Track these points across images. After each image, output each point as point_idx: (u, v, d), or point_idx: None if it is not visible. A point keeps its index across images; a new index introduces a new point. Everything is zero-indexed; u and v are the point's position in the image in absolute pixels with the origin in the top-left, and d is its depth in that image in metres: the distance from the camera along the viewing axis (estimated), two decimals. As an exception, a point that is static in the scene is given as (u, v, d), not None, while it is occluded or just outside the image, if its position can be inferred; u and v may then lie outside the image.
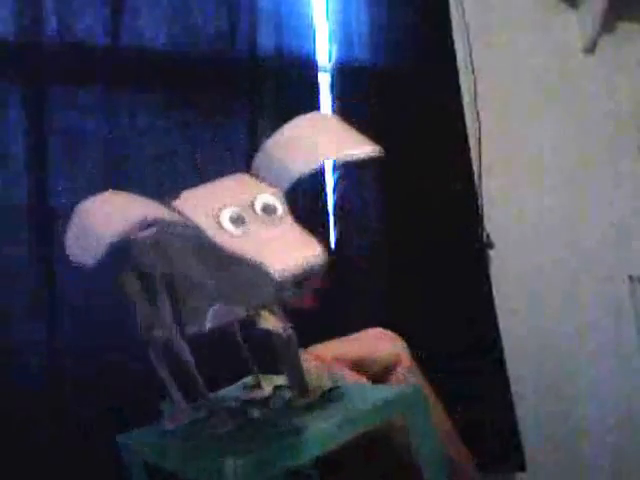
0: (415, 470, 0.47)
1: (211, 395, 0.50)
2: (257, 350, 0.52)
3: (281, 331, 0.45)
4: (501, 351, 2.11)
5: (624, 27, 2.62)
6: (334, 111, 2.01)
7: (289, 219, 0.39)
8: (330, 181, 1.97)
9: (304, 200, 1.84)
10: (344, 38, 2.06)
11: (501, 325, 2.12)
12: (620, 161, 2.52)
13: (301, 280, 0.36)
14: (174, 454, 0.46)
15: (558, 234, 2.40)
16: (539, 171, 2.42)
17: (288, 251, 0.36)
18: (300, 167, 0.41)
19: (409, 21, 2.11)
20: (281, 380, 0.50)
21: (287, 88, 1.92)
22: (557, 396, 2.29)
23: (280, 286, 0.35)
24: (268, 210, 0.39)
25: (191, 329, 0.45)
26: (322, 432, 0.41)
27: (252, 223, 0.38)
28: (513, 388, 2.11)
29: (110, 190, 0.40)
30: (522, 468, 2.09)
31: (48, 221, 1.65)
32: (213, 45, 1.86)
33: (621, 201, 2.49)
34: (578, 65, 2.56)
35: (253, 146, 1.81)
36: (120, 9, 1.76)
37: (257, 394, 0.50)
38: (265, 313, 0.45)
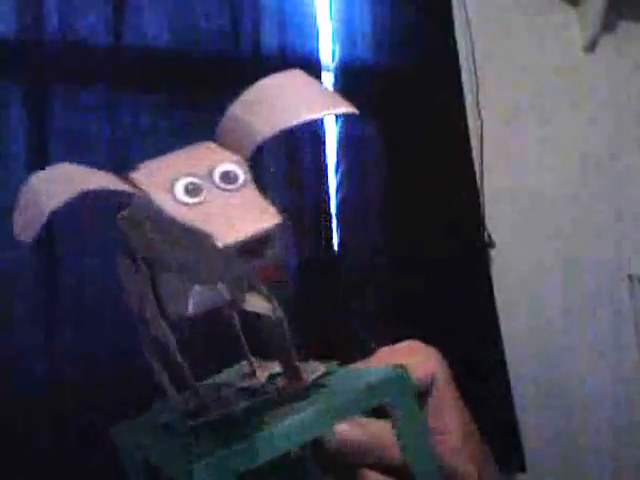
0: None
1: (207, 381, 0.49)
2: (254, 335, 0.48)
3: (270, 313, 0.42)
4: (502, 351, 2.10)
5: (625, 26, 2.61)
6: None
7: (250, 187, 0.36)
8: (333, 181, 1.95)
9: (308, 201, 1.83)
10: (347, 37, 2.05)
11: (502, 324, 2.12)
12: (621, 159, 2.51)
13: (256, 250, 0.33)
14: (156, 450, 0.45)
15: (559, 234, 2.39)
16: (540, 170, 2.41)
17: (239, 220, 0.33)
18: (266, 130, 0.37)
19: (412, 20, 2.10)
20: (276, 367, 0.47)
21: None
22: (557, 396, 2.29)
23: (227, 255, 0.33)
24: (227, 178, 0.36)
25: (173, 313, 0.41)
26: (298, 423, 0.39)
27: (209, 192, 0.35)
28: (513, 388, 2.10)
29: (63, 162, 0.37)
30: (522, 469, 2.09)
31: (49, 223, 1.62)
32: (216, 44, 1.85)
33: (622, 200, 2.48)
34: (579, 64, 2.55)
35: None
36: (123, 8, 1.74)
37: (251, 382, 0.47)
38: (252, 295, 0.42)
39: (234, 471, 0.37)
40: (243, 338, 0.48)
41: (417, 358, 0.51)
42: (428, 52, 2.11)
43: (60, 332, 1.62)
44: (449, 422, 0.51)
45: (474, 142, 2.21)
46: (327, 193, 1.93)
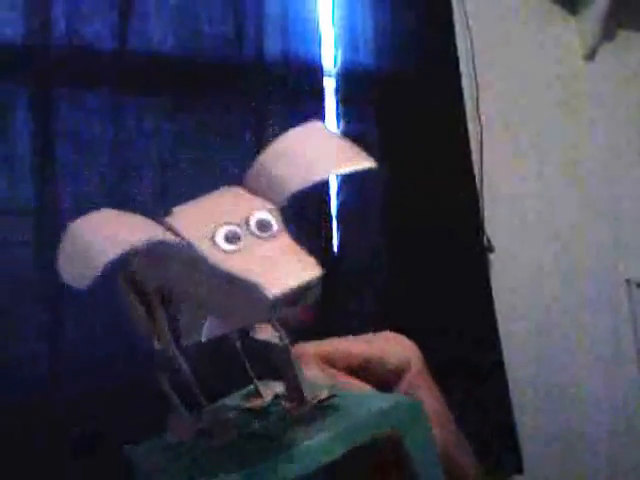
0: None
1: (211, 406, 0.49)
2: (256, 358, 0.49)
3: (277, 341, 0.44)
4: (500, 354, 2.11)
5: (624, 34, 2.62)
6: (339, 115, 2.01)
7: (285, 235, 0.37)
8: (334, 185, 1.96)
9: (308, 204, 1.84)
10: (349, 43, 2.06)
11: (500, 328, 2.12)
12: (620, 166, 2.52)
13: (296, 298, 0.35)
14: (172, 469, 0.45)
15: (558, 239, 2.40)
16: (540, 176, 2.42)
17: (283, 270, 0.35)
18: (297, 183, 0.39)
19: (413, 27, 2.11)
20: (280, 387, 0.48)
21: (293, 92, 1.92)
22: (555, 399, 2.29)
23: (274, 305, 0.34)
24: (263, 227, 0.37)
25: (187, 340, 0.43)
26: (313, 447, 0.40)
27: (247, 240, 0.36)
28: (511, 390, 2.11)
29: (103, 209, 0.38)
30: (519, 471, 2.09)
31: (54, 224, 1.64)
32: (220, 50, 1.86)
33: (620, 206, 2.49)
34: (578, 72, 2.56)
35: (259, 150, 1.81)
36: (128, 13, 1.75)
37: (256, 403, 0.48)
38: (262, 324, 0.44)
39: None
40: (246, 361, 0.49)
41: (393, 347, 0.52)
42: (429, 58, 2.12)
43: (63, 333, 1.63)
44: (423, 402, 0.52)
45: (474, 147, 2.22)
46: (328, 196, 1.95)
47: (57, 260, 0.37)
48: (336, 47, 2.05)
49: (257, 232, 0.37)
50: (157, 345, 0.45)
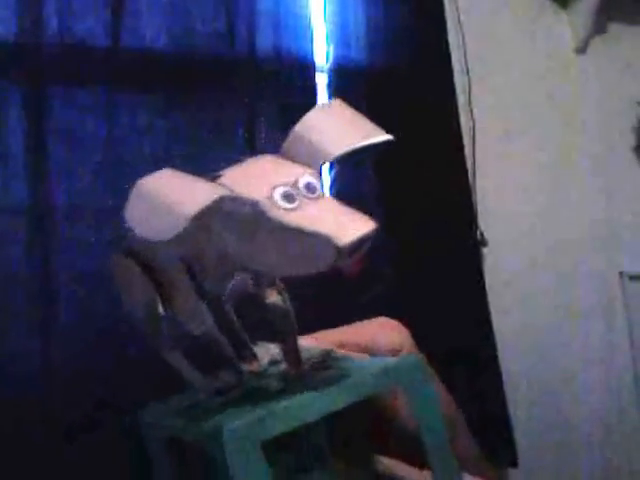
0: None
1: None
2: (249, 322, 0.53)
3: (282, 305, 0.47)
4: (494, 347, 2.11)
5: (615, 27, 2.63)
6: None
7: (329, 197, 0.42)
8: (327, 179, 1.97)
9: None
10: (341, 39, 2.06)
11: (494, 321, 2.13)
12: (612, 160, 2.53)
13: (355, 248, 0.39)
14: (185, 425, 0.47)
15: (551, 232, 2.41)
16: (532, 170, 2.43)
17: (348, 223, 0.40)
18: (333, 149, 0.44)
19: (405, 22, 2.12)
20: (275, 349, 0.51)
21: (285, 88, 1.92)
22: (549, 391, 2.30)
23: (341, 254, 0.39)
24: (310, 189, 0.42)
25: (212, 292, 0.47)
26: (319, 397, 0.43)
27: (300, 200, 0.41)
28: (506, 384, 2.12)
29: (165, 169, 0.41)
30: (514, 464, 2.10)
31: (47, 222, 1.65)
32: (212, 47, 1.87)
33: (613, 200, 2.50)
34: (570, 65, 2.57)
35: (251, 146, 1.82)
36: (120, 11, 1.76)
37: (254, 366, 0.50)
38: (270, 289, 0.47)
39: (261, 436, 0.41)
40: (241, 326, 0.52)
41: (384, 332, 0.54)
42: (421, 53, 2.13)
43: (56, 332, 1.64)
44: None
45: (466, 141, 2.23)
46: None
47: (130, 218, 0.40)
48: (328, 43, 2.06)
49: (306, 193, 0.41)
50: (162, 311, 0.48)
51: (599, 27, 2.59)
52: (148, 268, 0.49)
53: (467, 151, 2.23)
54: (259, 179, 0.41)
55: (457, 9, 2.29)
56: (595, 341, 2.41)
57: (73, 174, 1.69)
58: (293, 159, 0.44)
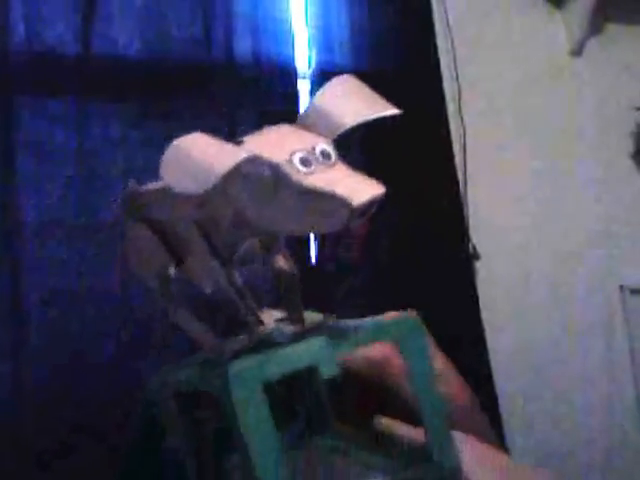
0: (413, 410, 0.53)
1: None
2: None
3: (289, 270, 0.53)
4: (488, 366, 2.12)
5: (611, 29, 2.65)
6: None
7: (343, 163, 0.47)
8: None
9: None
10: (324, 43, 2.07)
11: (488, 336, 2.14)
12: (609, 165, 2.54)
13: (365, 210, 0.44)
14: (191, 374, 0.53)
15: (546, 244, 2.42)
16: (526, 179, 2.44)
17: (360, 186, 0.44)
18: (348, 120, 0.49)
19: (391, 26, 2.12)
20: (278, 314, 0.57)
21: (265, 95, 1.93)
22: (546, 413, 2.31)
23: (353, 214, 0.43)
24: (325, 155, 0.46)
25: (225, 253, 0.52)
26: (312, 346, 0.48)
27: (316, 165, 0.45)
28: (501, 405, 2.12)
29: (194, 133, 0.46)
30: None
31: (16, 239, 1.65)
32: (188, 52, 1.87)
33: (611, 208, 2.51)
34: (565, 67, 2.58)
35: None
36: (91, 16, 1.76)
37: (261, 328, 0.56)
38: (278, 255, 0.53)
39: (265, 377, 0.45)
40: (247, 293, 0.57)
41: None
42: (408, 58, 2.13)
43: (26, 352, 1.64)
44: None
45: (457, 150, 2.24)
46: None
47: (165, 174, 0.44)
48: (310, 47, 2.06)
49: (322, 159, 0.46)
50: (173, 273, 0.54)
51: (595, 28, 2.61)
52: (160, 233, 0.54)
53: (457, 160, 2.24)
54: (279, 145, 0.46)
55: (445, 11, 2.31)
56: (595, 358, 2.42)
57: (43, 188, 1.69)
58: (309, 129, 0.49)
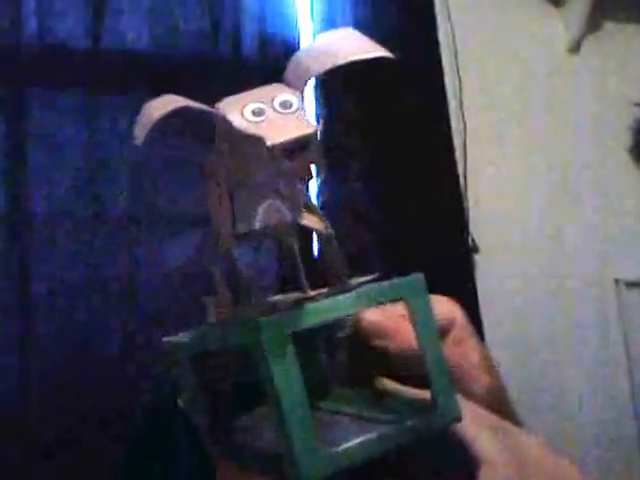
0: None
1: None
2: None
3: (323, 230, 0.52)
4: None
5: (609, 26, 2.65)
6: (318, 112, 2.02)
7: (302, 112, 0.47)
8: (314, 186, 1.98)
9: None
10: (329, 38, 2.06)
11: (486, 330, 2.14)
12: (607, 163, 2.54)
13: (296, 151, 0.44)
14: (215, 332, 0.55)
15: (544, 238, 2.43)
16: (525, 173, 2.45)
17: (283, 128, 0.44)
18: (316, 68, 0.48)
19: (394, 22, 2.12)
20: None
21: (272, 88, 1.92)
22: (542, 399, 2.32)
23: (273, 154, 0.44)
24: (284, 105, 0.46)
25: (242, 227, 0.51)
26: (339, 302, 0.50)
27: (270, 114, 0.46)
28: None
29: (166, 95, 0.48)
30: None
31: (25, 230, 1.65)
32: (196, 46, 1.87)
33: (608, 204, 2.52)
34: (563, 65, 2.59)
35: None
36: (101, 11, 1.76)
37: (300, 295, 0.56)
38: (308, 214, 0.52)
39: (295, 327, 0.47)
40: (301, 265, 0.57)
41: (439, 307, 0.59)
42: (410, 54, 2.13)
43: (33, 344, 1.64)
44: (470, 353, 0.60)
45: (457, 145, 2.25)
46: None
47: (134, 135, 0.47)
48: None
49: (280, 109, 0.46)
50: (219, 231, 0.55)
51: (593, 25, 2.61)
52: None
53: (458, 154, 2.24)
54: (239, 99, 0.47)
55: (447, 8, 2.31)
56: (590, 351, 2.43)
57: (52, 180, 1.69)
58: (288, 84, 0.49)
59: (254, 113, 0.46)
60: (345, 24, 2.09)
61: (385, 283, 0.53)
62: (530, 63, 2.52)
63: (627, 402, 2.42)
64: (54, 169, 1.69)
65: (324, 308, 0.50)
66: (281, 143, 0.43)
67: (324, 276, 0.56)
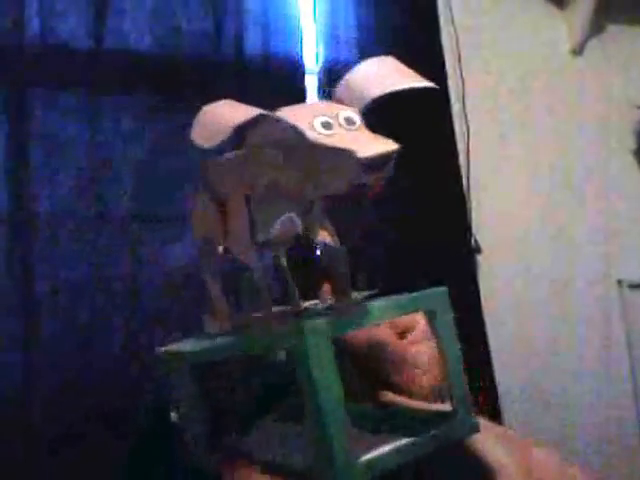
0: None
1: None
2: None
3: (334, 244, 0.56)
4: (489, 356, 2.12)
5: (612, 28, 2.64)
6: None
7: (365, 128, 0.50)
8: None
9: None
10: (331, 40, 2.07)
11: (488, 330, 2.14)
12: (610, 164, 2.54)
13: (377, 167, 0.47)
14: (240, 340, 0.56)
15: (547, 239, 2.42)
16: (528, 175, 2.44)
17: (370, 143, 0.47)
18: (373, 92, 0.52)
19: (397, 23, 2.12)
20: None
21: (274, 90, 1.92)
22: (545, 400, 2.31)
23: (362, 167, 0.46)
24: (349, 121, 0.49)
25: (261, 237, 0.54)
26: (374, 309, 0.53)
27: (337, 129, 0.49)
28: (500, 396, 2.12)
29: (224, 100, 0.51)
30: None
31: (28, 229, 1.65)
32: (198, 47, 1.87)
33: (611, 205, 2.51)
34: (567, 67, 2.58)
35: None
36: (104, 11, 1.76)
37: (295, 307, 0.60)
38: (321, 230, 0.56)
39: (335, 332, 0.50)
40: (289, 273, 0.60)
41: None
42: (413, 55, 2.12)
43: (35, 346, 1.64)
44: (420, 354, 0.68)
45: (460, 147, 2.24)
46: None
47: (193, 136, 0.50)
48: (318, 44, 2.06)
49: (345, 124, 0.49)
50: (221, 245, 0.58)
51: (597, 28, 2.60)
52: (220, 205, 0.59)
53: (461, 156, 2.23)
54: (304, 111, 0.50)
55: (451, 10, 2.30)
56: (592, 351, 2.42)
57: (54, 180, 1.69)
58: (339, 101, 0.53)
59: (324, 126, 0.48)
60: (348, 26, 2.09)
61: (416, 294, 0.56)
62: (533, 65, 2.51)
63: (629, 402, 2.42)
64: (57, 169, 1.69)
65: (361, 315, 0.52)
66: (371, 157, 0.46)
67: (331, 289, 0.57)
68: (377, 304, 0.54)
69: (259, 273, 0.55)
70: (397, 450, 0.50)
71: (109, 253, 1.71)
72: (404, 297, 0.56)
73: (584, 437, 2.33)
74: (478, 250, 2.24)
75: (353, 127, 0.49)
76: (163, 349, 0.62)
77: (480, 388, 2.07)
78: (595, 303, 2.46)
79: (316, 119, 0.48)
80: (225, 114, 0.49)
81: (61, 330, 1.65)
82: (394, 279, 1.98)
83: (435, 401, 0.64)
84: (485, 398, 2.08)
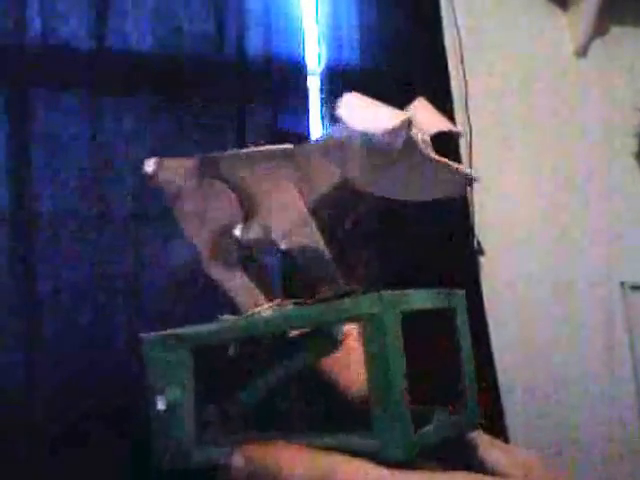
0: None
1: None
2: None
3: (317, 246, 0.54)
4: (491, 359, 2.11)
5: (616, 30, 2.63)
6: (323, 114, 2.01)
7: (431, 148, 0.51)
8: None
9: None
10: (333, 41, 2.06)
11: (491, 332, 2.13)
12: (613, 166, 2.53)
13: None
14: (276, 318, 0.53)
15: (550, 241, 2.41)
16: (530, 176, 2.43)
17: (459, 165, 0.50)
18: (441, 125, 0.53)
19: (399, 24, 2.12)
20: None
21: (276, 91, 1.92)
22: (547, 402, 2.30)
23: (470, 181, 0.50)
24: (426, 142, 0.50)
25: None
26: (415, 296, 0.52)
27: (424, 145, 0.49)
28: (503, 398, 2.11)
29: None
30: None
31: (30, 229, 1.65)
32: (200, 48, 1.87)
33: (614, 207, 2.50)
34: (570, 68, 2.57)
35: (241, 149, 1.82)
36: (105, 12, 1.76)
37: (284, 303, 0.57)
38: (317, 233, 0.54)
39: (407, 307, 0.48)
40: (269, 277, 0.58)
41: None
42: (416, 56, 2.13)
43: (38, 345, 1.64)
44: (355, 362, 0.61)
45: (463, 148, 2.23)
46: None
47: (347, 116, 0.48)
48: (320, 45, 2.06)
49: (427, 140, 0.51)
50: (239, 230, 0.55)
51: (600, 29, 2.59)
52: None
53: (464, 158, 2.22)
54: (420, 121, 0.50)
55: (453, 12, 2.30)
56: (595, 353, 2.41)
57: (56, 180, 1.69)
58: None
59: (423, 140, 0.50)
60: (351, 28, 2.09)
61: (443, 290, 0.56)
62: (536, 67, 2.50)
63: (632, 403, 2.41)
64: (58, 169, 1.69)
65: (410, 299, 0.51)
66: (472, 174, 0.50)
67: (313, 287, 0.56)
68: (416, 293, 0.53)
69: (323, 248, 0.54)
70: (437, 428, 0.50)
71: (111, 253, 1.71)
72: (434, 291, 0.55)
73: (587, 438, 2.32)
74: (481, 252, 2.23)
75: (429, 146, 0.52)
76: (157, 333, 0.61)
77: (482, 389, 2.05)
78: (598, 305, 2.45)
79: (420, 133, 0.50)
80: (381, 107, 0.51)
81: (63, 329, 1.65)
82: (396, 281, 1.97)
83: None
84: (487, 399, 2.08)
